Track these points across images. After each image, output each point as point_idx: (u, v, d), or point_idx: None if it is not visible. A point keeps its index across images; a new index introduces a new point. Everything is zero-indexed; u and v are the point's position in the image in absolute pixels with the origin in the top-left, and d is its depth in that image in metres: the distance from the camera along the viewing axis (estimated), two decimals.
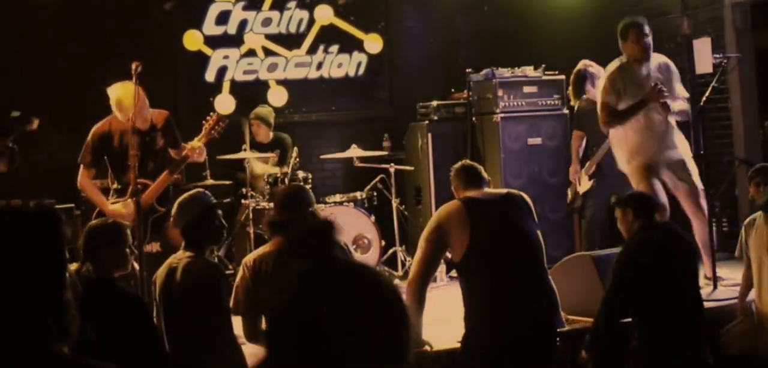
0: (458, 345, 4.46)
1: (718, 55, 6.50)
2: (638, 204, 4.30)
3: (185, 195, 3.85)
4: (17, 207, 1.78)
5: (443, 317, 4.93)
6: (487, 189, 4.03)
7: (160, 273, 3.71)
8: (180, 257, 3.71)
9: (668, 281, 4.15)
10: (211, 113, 5.42)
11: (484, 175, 4.11)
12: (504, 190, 4.11)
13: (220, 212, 3.81)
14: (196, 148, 5.20)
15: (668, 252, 4.19)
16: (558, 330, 3.94)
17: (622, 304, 4.20)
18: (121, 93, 5.09)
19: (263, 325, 3.77)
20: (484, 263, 3.78)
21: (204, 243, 3.75)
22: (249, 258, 3.75)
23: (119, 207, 5.08)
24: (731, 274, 5.76)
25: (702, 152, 5.81)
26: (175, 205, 3.80)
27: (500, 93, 7.06)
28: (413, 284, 3.95)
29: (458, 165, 4.17)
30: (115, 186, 5.26)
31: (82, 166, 5.25)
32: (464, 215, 3.82)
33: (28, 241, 1.68)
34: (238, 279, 3.77)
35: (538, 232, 4.00)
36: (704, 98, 5.84)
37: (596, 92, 6.30)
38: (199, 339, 3.57)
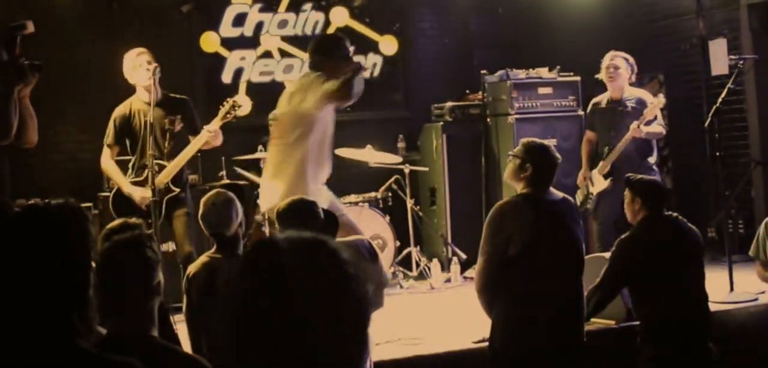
0: (473, 345, 4.48)
1: (733, 57, 6.48)
2: (648, 194, 4.28)
3: (223, 201, 3.74)
4: (44, 205, 1.84)
5: (458, 317, 4.95)
6: (548, 189, 3.98)
7: (197, 273, 3.65)
8: (217, 257, 3.66)
9: (668, 275, 4.14)
10: (227, 99, 5.52)
11: (556, 174, 3.99)
12: (561, 194, 4.04)
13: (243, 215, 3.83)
14: (211, 131, 5.29)
15: (669, 246, 4.18)
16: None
17: (613, 290, 4.25)
18: (126, 59, 5.36)
19: None
20: (537, 264, 3.77)
21: (239, 244, 3.74)
22: None
23: (134, 192, 5.25)
24: (748, 277, 5.74)
25: (717, 154, 5.79)
26: (217, 212, 3.68)
27: (515, 94, 7.06)
28: (484, 294, 3.89)
29: (538, 152, 3.95)
30: (134, 162, 5.41)
31: (105, 146, 5.42)
32: (527, 213, 3.81)
33: (55, 239, 1.72)
34: None
35: (582, 242, 4.00)
36: (720, 100, 5.82)
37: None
38: None
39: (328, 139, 5.01)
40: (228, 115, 5.35)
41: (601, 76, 6.36)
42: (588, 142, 6.55)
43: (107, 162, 5.41)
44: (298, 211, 3.67)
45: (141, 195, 5.21)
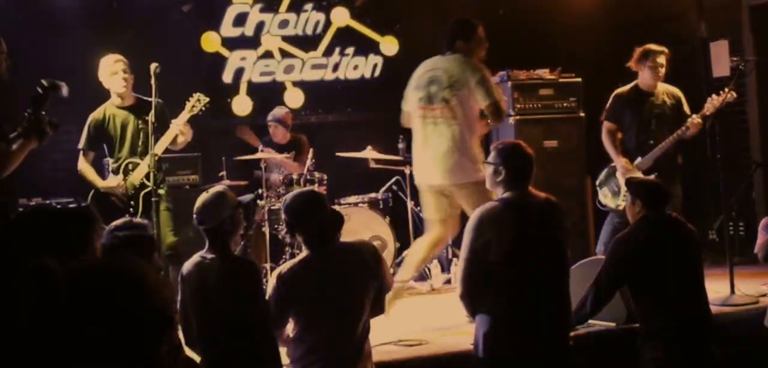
0: (471, 347, 4.47)
1: (735, 58, 6.46)
2: (648, 196, 4.24)
3: (212, 193, 3.75)
4: (45, 207, 1.85)
5: (458, 319, 4.94)
6: (529, 190, 3.92)
7: (190, 272, 3.63)
8: (209, 256, 3.65)
9: (666, 275, 4.12)
10: (193, 93, 5.63)
11: (532, 172, 3.92)
12: (543, 195, 3.98)
13: (241, 210, 3.81)
14: (179, 124, 5.44)
15: (665, 245, 4.16)
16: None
17: (608, 289, 4.23)
18: (102, 64, 5.61)
19: (291, 330, 3.77)
20: (520, 269, 3.74)
21: (230, 241, 3.73)
22: (284, 269, 3.69)
23: (110, 182, 5.51)
24: (749, 280, 5.74)
25: (718, 156, 5.78)
26: (203, 204, 3.71)
27: (516, 95, 7.06)
28: (466, 300, 3.84)
29: (507, 153, 3.91)
30: (112, 165, 5.63)
31: (80, 152, 5.64)
32: (507, 218, 3.77)
33: (54, 241, 1.72)
34: (269, 289, 3.70)
35: (567, 244, 3.94)
36: (721, 102, 5.80)
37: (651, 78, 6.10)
38: (240, 339, 3.55)
39: None
40: (194, 109, 5.53)
41: (636, 66, 6.15)
42: (610, 133, 6.22)
43: (83, 165, 5.62)
44: (306, 202, 3.67)
45: (116, 181, 5.46)
